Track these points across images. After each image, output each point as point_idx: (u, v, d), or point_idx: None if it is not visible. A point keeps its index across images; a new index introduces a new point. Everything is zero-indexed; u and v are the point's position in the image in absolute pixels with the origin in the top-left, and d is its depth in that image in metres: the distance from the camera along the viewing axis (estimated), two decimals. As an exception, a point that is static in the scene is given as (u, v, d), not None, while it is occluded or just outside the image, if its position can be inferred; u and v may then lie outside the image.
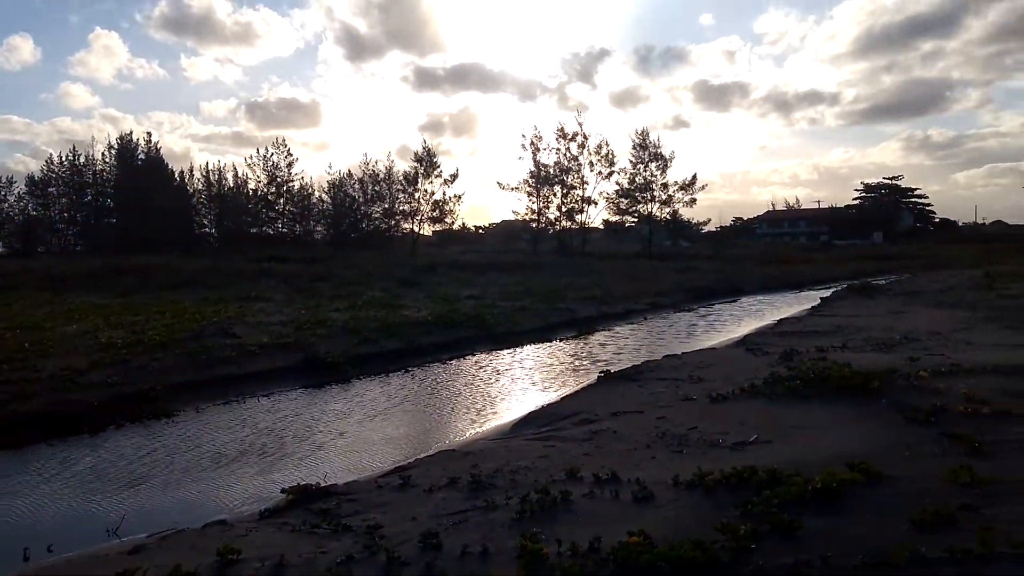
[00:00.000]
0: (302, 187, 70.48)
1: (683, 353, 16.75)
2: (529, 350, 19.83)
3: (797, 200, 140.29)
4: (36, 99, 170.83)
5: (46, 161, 73.10)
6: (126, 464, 9.84)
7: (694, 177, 72.70)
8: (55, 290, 35.30)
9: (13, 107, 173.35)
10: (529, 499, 6.86)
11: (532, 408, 12.40)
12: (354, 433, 11.45)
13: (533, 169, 71.76)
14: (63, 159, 71.79)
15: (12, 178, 76.87)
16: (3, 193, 77.08)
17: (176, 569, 5.42)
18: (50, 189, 73.41)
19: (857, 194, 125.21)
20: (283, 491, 8.04)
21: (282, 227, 71.55)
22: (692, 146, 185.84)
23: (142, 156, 70.78)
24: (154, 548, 6.56)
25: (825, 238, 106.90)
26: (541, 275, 41.84)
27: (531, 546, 5.65)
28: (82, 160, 71.36)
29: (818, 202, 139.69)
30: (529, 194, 72.27)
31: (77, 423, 11.57)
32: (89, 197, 72.46)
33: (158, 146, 71.82)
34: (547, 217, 73.77)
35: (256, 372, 15.14)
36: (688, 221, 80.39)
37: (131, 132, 72.38)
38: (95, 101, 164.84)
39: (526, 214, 73.86)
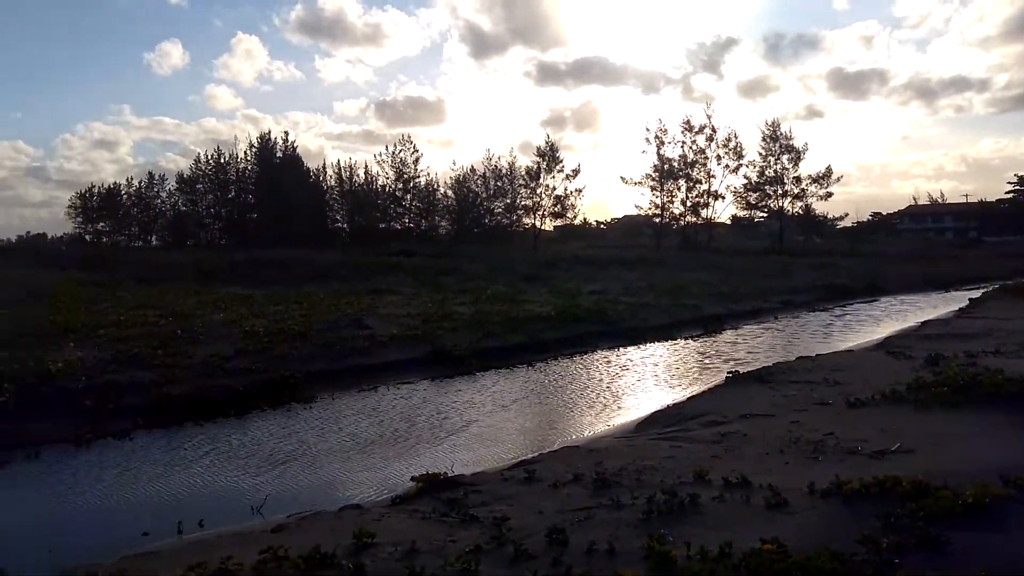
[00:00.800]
0: (428, 183, 72.38)
1: (817, 355, 16.06)
2: (653, 348, 19.57)
3: (942, 194, 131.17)
4: (185, 101, 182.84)
5: (194, 160, 78.28)
6: (268, 446, 10.41)
7: (828, 169, 69.67)
8: (203, 281, 37.77)
9: (165, 109, 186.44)
10: (656, 500, 6.76)
11: (657, 407, 12.23)
12: (479, 425, 11.65)
13: (657, 163, 70.73)
14: (209, 158, 76.63)
15: (164, 176, 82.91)
16: (156, 190, 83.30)
17: (315, 550, 5.67)
18: (198, 186, 78.57)
19: (1010, 187, 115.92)
20: (413, 479, 8.27)
21: (408, 222, 73.67)
22: (826, 137, 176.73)
23: (280, 154, 74.50)
24: (294, 528, 6.91)
25: (974, 234, 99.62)
26: (665, 271, 41.16)
27: (658, 547, 5.57)
28: (226, 159, 75.94)
29: (966, 196, 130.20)
30: (652, 189, 71.28)
31: (224, 406, 12.34)
32: (232, 194, 77.02)
33: (294, 145, 75.46)
34: (671, 212, 72.52)
35: (386, 363, 15.67)
36: (822, 216, 77.05)
37: (269, 132, 76.43)
38: (238, 103, 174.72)
39: (649, 209, 72.92)
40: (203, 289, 32.35)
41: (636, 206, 75.11)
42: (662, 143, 70.37)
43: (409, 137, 72.91)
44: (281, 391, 13.23)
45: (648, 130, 71.80)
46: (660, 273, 39.79)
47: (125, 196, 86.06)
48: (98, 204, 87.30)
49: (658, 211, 72.25)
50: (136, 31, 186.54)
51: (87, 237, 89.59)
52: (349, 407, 12.83)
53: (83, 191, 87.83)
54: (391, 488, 8.59)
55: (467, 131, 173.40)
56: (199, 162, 77.74)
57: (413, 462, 9.67)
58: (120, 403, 11.86)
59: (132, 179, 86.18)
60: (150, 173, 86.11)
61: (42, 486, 8.79)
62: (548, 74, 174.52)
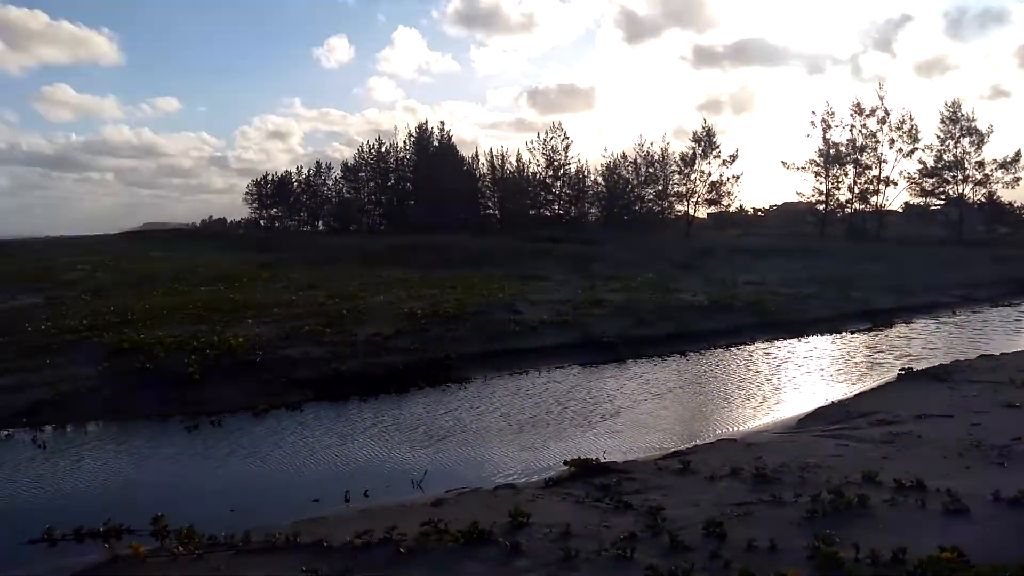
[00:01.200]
0: (578, 170, 72.17)
1: (1002, 353, 14.76)
2: (816, 341, 18.64)
3: None
4: (349, 93, 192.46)
5: (357, 149, 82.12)
6: (426, 423, 10.81)
7: (1017, 154, 63.39)
8: (365, 264, 39.67)
9: (331, 101, 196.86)
10: (821, 499, 6.46)
11: (820, 403, 11.65)
12: (631, 412, 11.55)
13: (822, 147, 66.89)
14: (371, 147, 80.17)
15: (330, 165, 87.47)
16: (323, 178, 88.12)
17: (473, 525, 5.84)
18: (360, 174, 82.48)
19: None
20: (566, 463, 8.33)
21: (558, 208, 73.92)
22: (1015, 118, 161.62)
23: (436, 143, 76.77)
24: (452, 503, 7.14)
25: None
26: (829, 261, 39.03)
27: (825, 548, 5.32)
28: (386, 148, 79.20)
29: None
30: (817, 174, 67.52)
31: (385, 383, 12.93)
32: (392, 181, 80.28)
33: (450, 134, 77.45)
34: (836, 199, 68.53)
35: (537, 347, 15.83)
36: (1008, 204, 70.38)
37: (427, 121, 79.07)
38: (398, 94, 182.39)
39: (812, 195, 69.23)
40: (365, 271, 33.96)
41: (798, 193, 71.40)
42: (828, 126, 66.49)
43: (560, 124, 73.22)
44: (437, 371, 13.69)
45: (814, 113, 68.16)
46: (823, 263, 37.78)
47: (295, 184, 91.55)
48: (271, 191, 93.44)
49: (822, 198, 68.54)
50: (307, 28, 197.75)
51: (261, 222, 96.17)
52: (502, 389, 13.08)
53: (258, 179, 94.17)
54: (543, 470, 8.70)
55: (618, 117, 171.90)
56: (361, 151, 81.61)
57: (564, 445, 9.73)
58: (292, 376, 12.67)
59: (301, 167, 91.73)
60: (317, 162, 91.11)
61: (225, 451, 9.53)
62: (705, 57, 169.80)
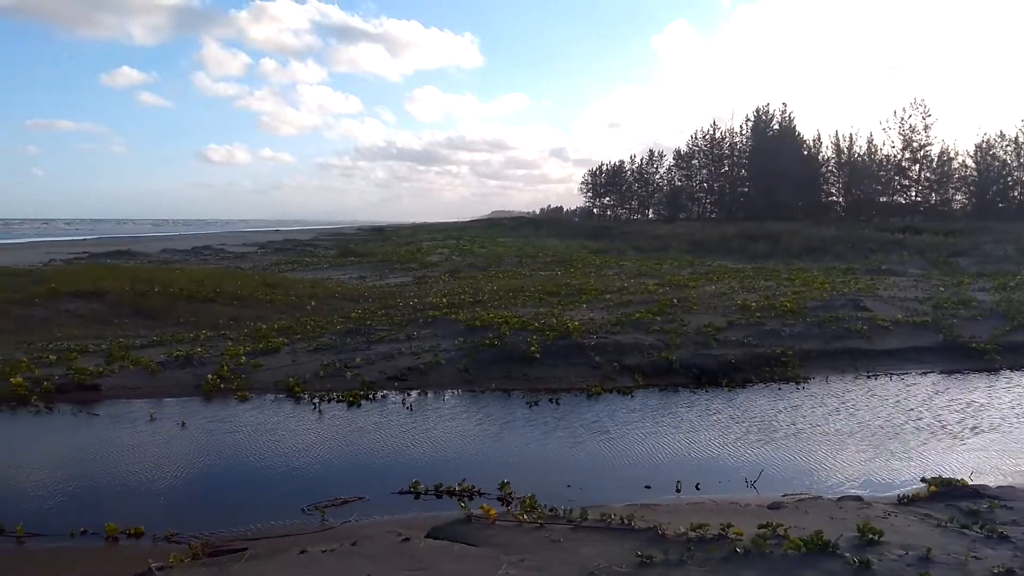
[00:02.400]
0: (941, 151, 64.00)
1: None
2: None
3: None
4: (685, 79, 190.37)
5: (691, 136, 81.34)
6: (760, 421, 10.36)
7: None
8: (695, 253, 39.32)
9: (666, 89, 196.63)
10: None
11: None
12: (1003, 431, 9.98)
13: None
14: (705, 133, 78.87)
15: (663, 153, 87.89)
16: (655, 166, 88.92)
17: (816, 535, 5.46)
18: (693, 161, 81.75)
19: None
20: (923, 480, 7.49)
21: (915, 195, 66.44)
22: None
23: (776, 126, 73.20)
24: (791, 508, 6.76)
25: None
26: None
27: None
28: (721, 133, 77.39)
29: None
30: None
31: (715, 375, 12.66)
32: (726, 168, 78.40)
33: (791, 116, 73.27)
34: None
35: (887, 349, 14.39)
36: None
37: (767, 104, 75.36)
38: (738, 77, 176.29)
39: None
40: (695, 260, 33.64)
41: None
42: None
43: (923, 100, 65.11)
44: (772, 367, 13.07)
45: None
46: None
47: (628, 173, 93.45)
48: (604, 180, 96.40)
49: None
50: (645, 15, 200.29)
51: (594, 210, 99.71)
52: (845, 391, 12.10)
53: (593, 169, 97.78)
54: (894, 485, 7.89)
55: (999, 90, 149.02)
56: (695, 138, 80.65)
57: (919, 461, 8.72)
58: (623, 362, 12.96)
59: (634, 156, 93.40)
60: (650, 150, 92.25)
61: (561, 427, 10.02)
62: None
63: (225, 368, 12.24)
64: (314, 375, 12.22)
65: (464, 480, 7.65)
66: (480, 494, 7.44)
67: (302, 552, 5.74)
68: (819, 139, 72.31)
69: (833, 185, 71.93)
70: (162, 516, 6.90)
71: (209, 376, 11.84)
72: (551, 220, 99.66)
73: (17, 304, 17.28)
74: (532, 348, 13.10)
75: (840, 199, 71.49)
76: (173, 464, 8.51)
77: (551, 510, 6.43)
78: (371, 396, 11.39)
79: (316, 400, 11.13)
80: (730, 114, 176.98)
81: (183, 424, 9.95)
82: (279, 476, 8.15)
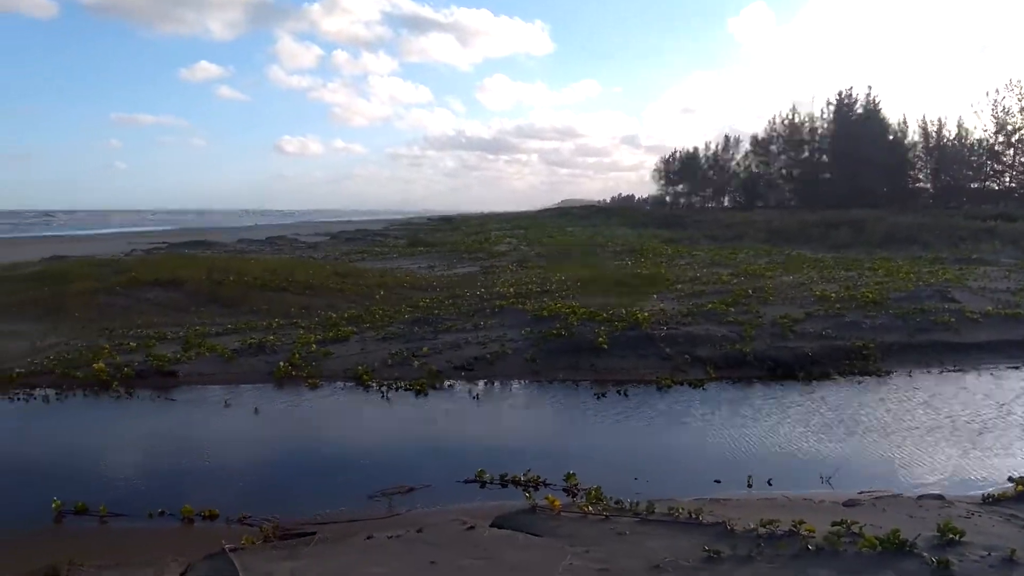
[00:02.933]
0: (1040, 134, 60.51)
1: None
2: None
3: None
4: (759, 64, 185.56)
5: (769, 121, 79.22)
6: (837, 415, 9.99)
7: None
8: (772, 242, 38.33)
9: (743, 72, 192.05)
10: None
11: None
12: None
13: None
14: (784, 118, 76.65)
15: (739, 138, 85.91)
16: (731, 153, 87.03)
17: (894, 533, 5.20)
18: (771, 147, 79.59)
19: None
20: (1011, 479, 7.10)
21: (1009, 181, 63.16)
22: None
23: (859, 110, 70.62)
24: (867, 506, 6.48)
25: None
26: None
27: None
28: (800, 118, 75.07)
29: None
30: None
31: (791, 368, 12.26)
32: (806, 154, 76.07)
33: (876, 100, 70.45)
34: None
35: (976, 343, 13.69)
36: None
37: (851, 88, 72.68)
38: (820, 60, 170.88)
39: None
40: (772, 250, 32.81)
41: None
42: None
43: (1018, 82, 61.66)
44: (852, 360, 12.58)
45: None
46: None
47: (702, 159, 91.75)
48: (677, 168, 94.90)
49: None
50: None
51: (667, 198, 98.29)
52: (929, 386, 11.56)
53: (666, 156, 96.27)
54: (977, 484, 7.49)
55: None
56: (773, 123, 78.47)
57: (1007, 460, 8.25)
58: (694, 354, 12.68)
59: (709, 143, 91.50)
60: (726, 136, 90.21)
61: (629, 419, 9.88)
62: None
63: (296, 356, 12.50)
64: (382, 363, 12.37)
65: (529, 470, 7.60)
66: (545, 484, 7.38)
67: (369, 537, 5.79)
68: (905, 123, 69.31)
69: (920, 171, 69.02)
70: (235, 499, 7.07)
71: (281, 363, 12.11)
72: (622, 208, 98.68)
73: (100, 292, 18.03)
74: (600, 339, 12.95)
75: (928, 186, 68.60)
76: (246, 449, 8.73)
77: (617, 502, 6.33)
78: (438, 385, 11.45)
79: (384, 388, 11.26)
80: (810, 98, 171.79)
81: (256, 410, 10.20)
82: (347, 462, 8.27)
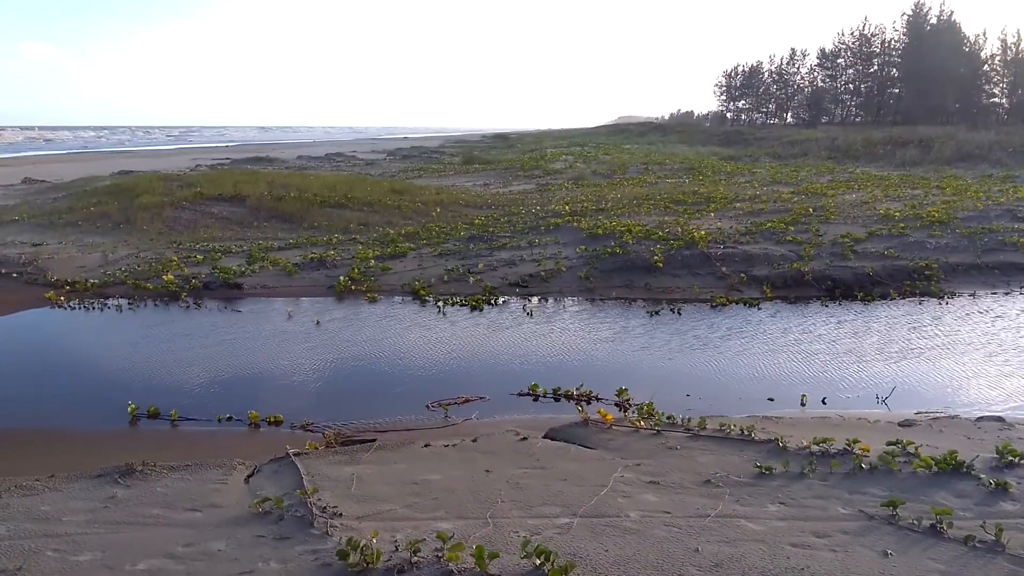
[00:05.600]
0: None
1: None
2: None
3: None
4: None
5: (837, 33, 75.54)
6: (895, 336, 9.82)
7: None
8: (836, 159, 37.10)
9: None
10: None
11: None
12: None
13: None
14: (853, 30, 72.93)
15: (806, 52, 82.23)
16: (796, 66, 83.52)
17: (950, 455, 5.19)
18: (839, 60, 76.10)
19: None
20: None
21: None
22: None
23: (934, 21, 66.81)
24: (923, 427, 6.45)
25: None
26: None
27: None
28: (871, 30, 71.37)
29: None
30: None
31: (850, 288, 12.06)
32: (875, 67, 72.64)
33: (951, 11, 66.48)
34: None
35: (1047, 263, 13.23)
36: None
37: (926, -3, 68.58)
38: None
39: None
40: (835, 167, 31.79)
41: None
42: None
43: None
44: (914, 280, 12.29)
45: None
46: None
47: (765, 73, 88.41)
48: (740, 83, 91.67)
49: None
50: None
51: (728, 115, 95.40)
52: (993, 307, 11.26)
53: (728, 70, 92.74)
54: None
55: None
56: (841, 35, 74.89)
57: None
58: (751, 273, 12.54)
59: (773, 56, 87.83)
60: (792, 49, 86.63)
61: (682, 337, 9.88)
62: None
63: (356, 271, 12.74)
64: (438, 279, 12.54)
65: (582, 385, 7.72)
66: (597, 399, 7.50)
67: (426, 445, 6.00)
68: (984, 36, 65.76)
69: (996, 85, 65.43)
70: (298, 406, 7.37)
71: (341, 278, 12.37)
72: (680, 125, 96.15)
73: (167, 207, 18.50)
74: (655, 257, 12.87)
75: (1004, 101, 65.09)
76: (308, 359, 9.03)
77: (669, 418, 6.41)
78: (493, 301, 11.59)
79: (440, 303, 11.45)
80: (882, 8, 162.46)
81: (317, 322, 10.49)
82: (405, 373, 8.51)
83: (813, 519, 4.52)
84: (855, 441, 5.50)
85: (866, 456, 5.34)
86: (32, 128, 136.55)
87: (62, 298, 11.58)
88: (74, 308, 11.29)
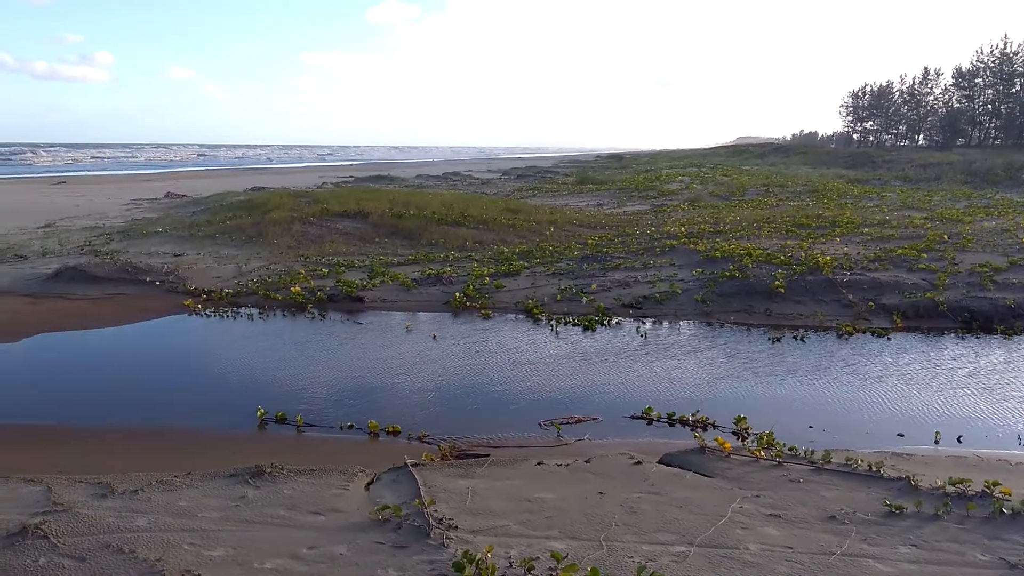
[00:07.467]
0: None
1: None
2: None
3: None
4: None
5: (975, 51, 71.56)
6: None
7: None
8: (973, 184, 34.99)
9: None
10: None
11: None
12: None
13: None
14: (993, 47, 68.86)
15: (940, 70, 78.12)
16: (930, 86, 79.43)
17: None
18: (976, 80, 71.93)
19: None
20: None
21: None
22: None
23: (1089, 36, 62.12)
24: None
25: None
26: None
27: None
28: (1012, 48, 67.12)
29: None
30: None
31: (989, 321, 11.32)
32: (1017, 87, 68.21)
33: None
34: None
35: None
36: None
37: (1079, 9, 63.98)
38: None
39: None
40: (973, 193, 29.98)
41: None
42: None
43: None
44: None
45: None
46: None
47: (896, 94, 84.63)
48: (868, 103, 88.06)
49: None
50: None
51: (855, 136, 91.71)
52: None
53: (855, 90, 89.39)
54: None
55: None
56: (980, 54, 70.76)
57: None
58: (879, 301, 11.97)
59: (904, 76, 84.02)
60: (925, 68, 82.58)
61: (805, 366, 9.52)
62: None
63: (471, 287, 12.98)
64: (551, 298, 12.59)
65: (698, 411, 7.57)
66: (714, 426, 7.34)
67: (539, 463, 6.02)
68: None
69: None
70: (415, 418, 7.56)
71: (457, 294, 12.63)
72: (803, 146, 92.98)
73: (296, 221, 19.41)
74: (777, 282, 12.48)
75: None
76: (425, 372, 9.24)
77: (790, 449, 6.19)
78: (606, 322, 11.53)
79: (553, 322, 11.49)
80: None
81: (434, 337, 10.73)
82: (518, 390, 8.57)
83: (948, 563, 4.26)
84: (995, 483, 5.15)
85: (1007, 500, 4.99)
86: (191, 145, 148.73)
87: (199, 306, 12.33)
88: (209, 316, 11.99)
